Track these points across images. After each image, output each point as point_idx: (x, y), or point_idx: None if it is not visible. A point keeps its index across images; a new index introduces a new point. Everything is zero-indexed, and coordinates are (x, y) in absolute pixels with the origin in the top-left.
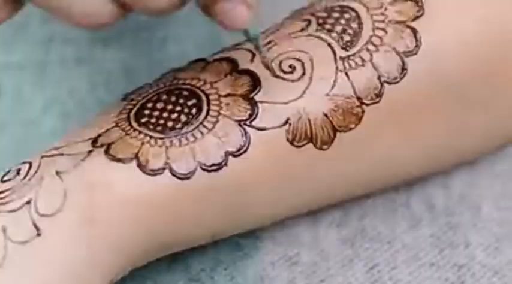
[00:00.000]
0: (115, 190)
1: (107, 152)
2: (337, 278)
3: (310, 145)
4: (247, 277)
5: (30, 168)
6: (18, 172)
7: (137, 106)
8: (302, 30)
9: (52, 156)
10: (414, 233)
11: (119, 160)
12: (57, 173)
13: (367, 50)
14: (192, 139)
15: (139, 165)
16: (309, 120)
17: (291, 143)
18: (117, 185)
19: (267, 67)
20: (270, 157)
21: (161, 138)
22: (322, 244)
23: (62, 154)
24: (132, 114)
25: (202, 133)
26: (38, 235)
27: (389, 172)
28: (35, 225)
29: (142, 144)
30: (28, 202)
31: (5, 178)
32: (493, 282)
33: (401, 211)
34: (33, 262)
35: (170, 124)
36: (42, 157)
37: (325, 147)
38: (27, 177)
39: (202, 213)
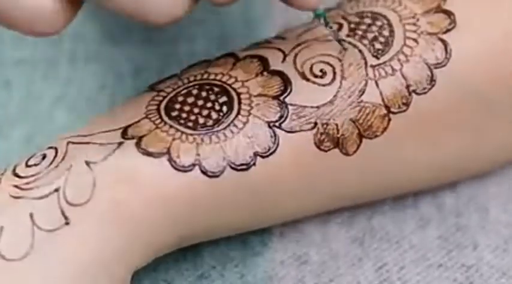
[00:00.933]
0: (145, 184)
1: (138, 145)
2: (346, 278)
3: (337, 150)
4: (256, 275)
5: (56, 154)
6: (43, 157)
7: (167, 99)
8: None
9: (80, 143)
10: (422, 234)
11: (150, 154)
12: (87, 163)
13: (398, 59)
14: (222, 138)
15: (170, 160)
16: (337, 126)
17: (318, 147)
18: (147, 179)
19: (339, 42)
20: (297, 160)
21: (192, 135)
22: (332, 244)
23: (89, 143)
24: (162, 107)
25: (232, 132)
26: (67, 223)
27: (411, 179)
28: (63, 214)
29: (174, 139)
30: (56, 190)
31: (30, 163)
32: (501, 283)
33: (409, 211)
34: (61, 251)
35: (201, 120)
36: (69, 143)
37: (351, 152)
38: (54, 164)
39: (227, 210)
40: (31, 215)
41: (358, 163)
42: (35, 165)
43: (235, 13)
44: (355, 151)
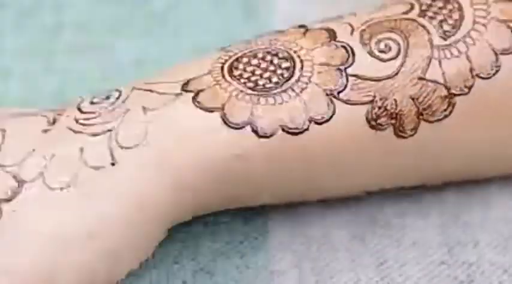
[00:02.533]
0: (195, 137)
1: (194, 98)
2: (347, 274)
3: (391, 130)
4: (257, 270)
5: (119, 96)
6: (107, 97)
7: (232, 59)
8: (404, 13)
9: (142, 90)
10: (423, 231)
11: (204, 108)
12: (144, 108)
13: (464, 42)
14: (279, 100)
15: (223, 116)
16: (395, 101)
17: (374, 121)
18: (198, 132)
19: None
20: (351, 133)
21: (249, 94)
22: (332, 240)
23: (151, 91)
24: (226, 65)
25: (289, 96)
26: (113, 164)
27: (463, 167)
28: (111, 154)
29: (230, 96)
30: (110, 130)
31: (95, 100)
32: (502, 280)
33: (411, 208)
34: (101, 188)
35: (261, 82)
36: (133, 88)
37: (407, 131)
38: (114, 105)
39: (273, 174)
40: (81, 150)
41: (414, 145)
42: (98, 103)
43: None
44: (411, 130)
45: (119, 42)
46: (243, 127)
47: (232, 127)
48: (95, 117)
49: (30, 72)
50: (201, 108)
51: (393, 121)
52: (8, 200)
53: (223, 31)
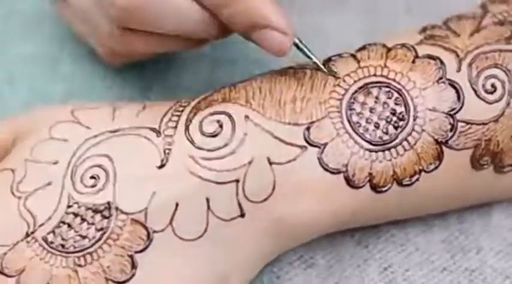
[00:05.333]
0: (318, 196)
1: (319, 156)
2: (351, 280)
3: (491, 168)
4: (263, 276)
5: (234, 128)
6: (220, 126)
7: (348, 95)
8: (507, 39)
9: (260, 127)
10: (427, 237)
11: (330, 170)
12: (268, 160)
13: None
14: (394, 155)
15: (346, 178)
16: (498, 141)
17: (477, 162)
18: (321, 192)
19: (328, 72)
20: (455, 175)
21: (369, 150)
22: (338, 248)
23: (270, 134)
24: (343, 106)
25: (404, 149)
26: (242, 216)
27: None
28: (239, 206)
29: (352, 153)
30: (237, 181)
31: (206, 130)
32: None
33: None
34: (229, 240)
35: (379, 134)
36: (247, 119)
37: (505, 168)
38: (232, 146)
39: (381, 218)
40: (207, 200)
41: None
42: (212, 135)
43: None
44: (510, 166)
45: None
46: (363, 186)
47: (354, 187)
48: (214, 159)
49: (35, 78)
50: (325, 169)
51: (494, 160)
52: (141, 251)
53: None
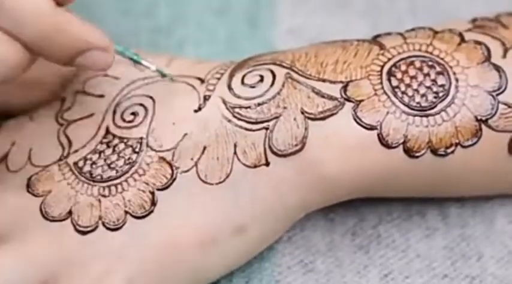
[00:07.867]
0: (351, 152)
1: (355, 112)
2: None
3: None
4: (263, 279)
5: (273, 82)
6: (261, 79)
7: (391, 63)
8: None
9: (297, 82)
10: (428, 244)
11: (364, 126)
12: (302, 112)
13: None
14: (432, 122)
15: (380, 135)
16: None
17: None
18: (352, 147)
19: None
20: (492, 157)
21: (406, 113)
22: (337, 253)
23: (308, 87)
24: (384, 71)
25: (442, 119)
26: (267, 164)
27: None
28: (265, 155)
29: (388, 112)
30: (266, 128)
31: (247, 81)
32: None
33: (415, 220)
34: (252, 187)
35: (417, 99)
36: (288, 77)
37: None
38: (269, 95)
39: (415, 189)
40: (235, 146)
41: None
42: (252, 86)
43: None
44: None
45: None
46: (396, 147)
47: (387, 146)
48: (250, 108)
49: None
50: (360, 124)
51: None
52: (163, 189)
53: (228, 44)
